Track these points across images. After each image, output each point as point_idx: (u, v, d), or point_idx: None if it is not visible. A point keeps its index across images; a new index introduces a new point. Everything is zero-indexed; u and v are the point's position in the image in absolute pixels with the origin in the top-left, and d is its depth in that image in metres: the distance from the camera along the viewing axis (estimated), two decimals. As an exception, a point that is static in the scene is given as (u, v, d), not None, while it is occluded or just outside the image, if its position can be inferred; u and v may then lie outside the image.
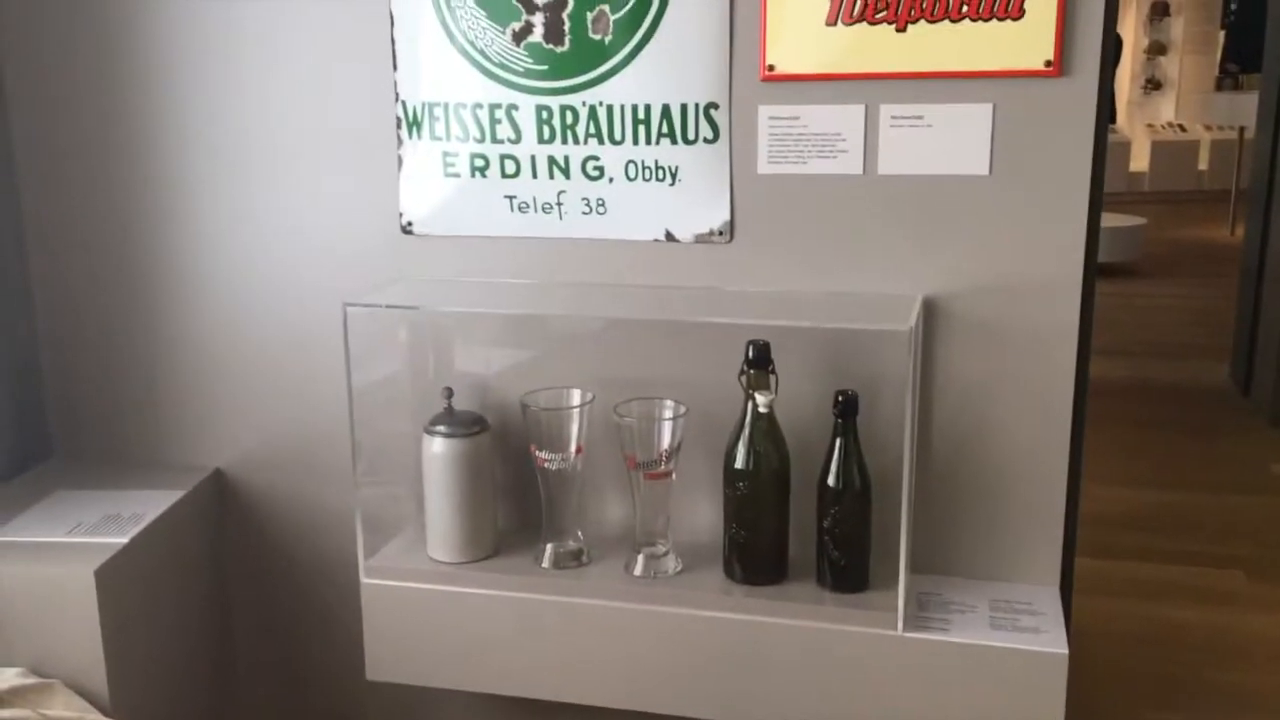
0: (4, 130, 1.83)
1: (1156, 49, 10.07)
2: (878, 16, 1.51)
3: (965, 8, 1.49)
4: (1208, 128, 9.59)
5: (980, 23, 1.49)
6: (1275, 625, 2.84)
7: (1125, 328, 5.73)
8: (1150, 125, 10.03)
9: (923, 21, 1.50)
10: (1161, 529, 3.42)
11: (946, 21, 1.50)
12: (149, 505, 1.75)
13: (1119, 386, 4.77)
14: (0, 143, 1.83)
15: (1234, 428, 4.35)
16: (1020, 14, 1.47)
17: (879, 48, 1.52)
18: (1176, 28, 10.03)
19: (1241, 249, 5.02)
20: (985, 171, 1.53)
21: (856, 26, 1.52)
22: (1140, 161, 9.79)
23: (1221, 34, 9.45)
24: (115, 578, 1.59)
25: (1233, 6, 8.81)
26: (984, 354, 1.58)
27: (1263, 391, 4.48)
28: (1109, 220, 6.94)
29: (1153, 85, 10.13)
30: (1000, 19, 1.48)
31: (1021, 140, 1.51)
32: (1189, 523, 3.48)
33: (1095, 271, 1.57)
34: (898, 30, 1.51)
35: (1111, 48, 1.51)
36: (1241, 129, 7.69)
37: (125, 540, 1.64)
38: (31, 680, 1.53)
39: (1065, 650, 1.45)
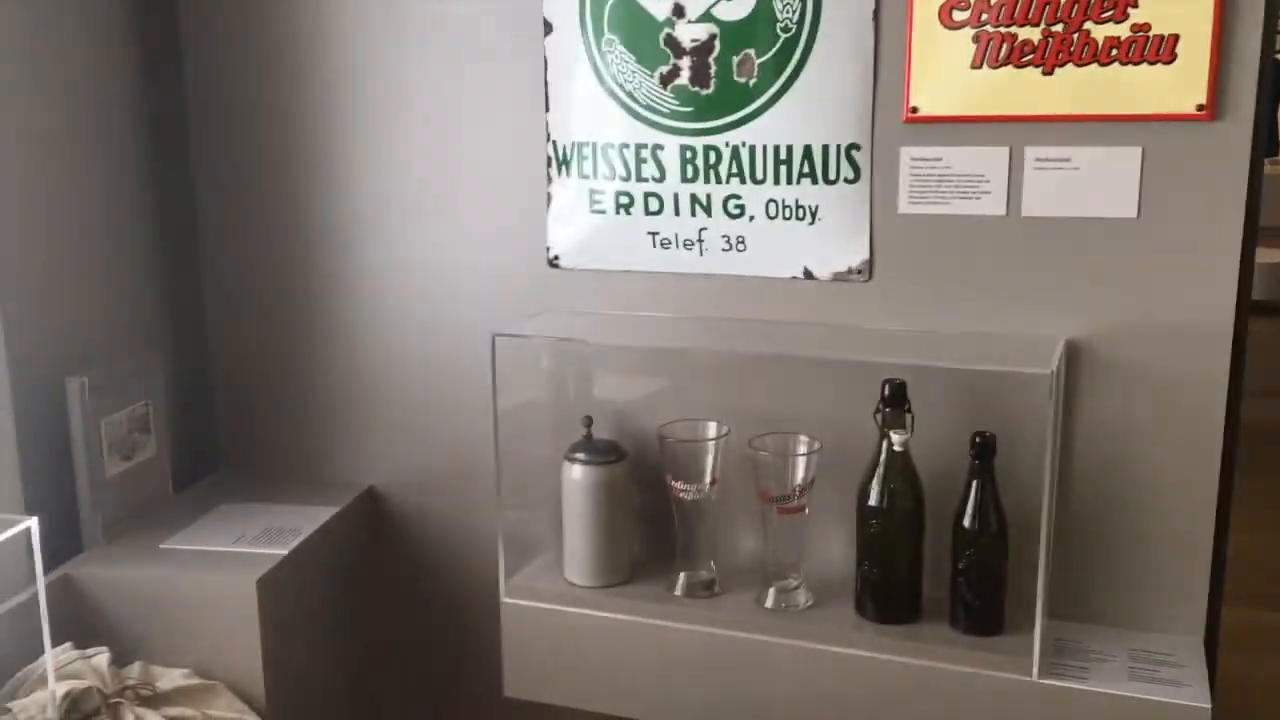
0: (189, 179, 1.98)
1: (1327, 76, 9.58)
2: (1024, 60, 1.52)
3: (1115, 51, 1.48)
4: (1383, 159, 9.06)
5: (1130, 66, 1.47)
6: None
7: (1289, 369, 5.45)
8: (1320, 156, 9.52)
9: (1070, 65, 1.50)
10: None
11: (1095, 65, 1.49)
12: (306, 520, 1.86)
13: (1280, 431, 4.54)
14: (185, 197, 1.98)
15: None
16: (1172, 58, 1.45)
17: (1025, 91, 1.52)
18: (1350, 54, 9.53)
19: None
20: (1133, 214, 1.51)
21: (1002, 70, 1.53)
22: (1308, 194, 9.30)
23: (1400, 60, 8.95)
24: (275, 587, 1.69)
25: None
26: (1129, 398, 1.56)
27: None
28: (1274, 256, 6.63)
29: (1323, 114, 9.63)
30: (1151, 63, 1.46)
31: (1171, 184, 1.49)
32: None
33: (1247, 316, 1.53)
34: (1044, 74, 1.51)
35: (1269, 89, 1.47)
36: None
37: (284, 552, 1.74)
38: (195, 681, 1.64)
39: (1208, 705, 1.41)
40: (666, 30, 1.65)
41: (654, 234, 1.74)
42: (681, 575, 1.70)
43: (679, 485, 1.66)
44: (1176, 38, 1.45)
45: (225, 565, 1.72)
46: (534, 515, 1.82)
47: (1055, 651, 1.53)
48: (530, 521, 1.81)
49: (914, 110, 1.58)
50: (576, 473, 1.71)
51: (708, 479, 1.66)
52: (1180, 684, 1.45)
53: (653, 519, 1.77)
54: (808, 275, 1.68)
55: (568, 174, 1.77)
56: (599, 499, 1.70)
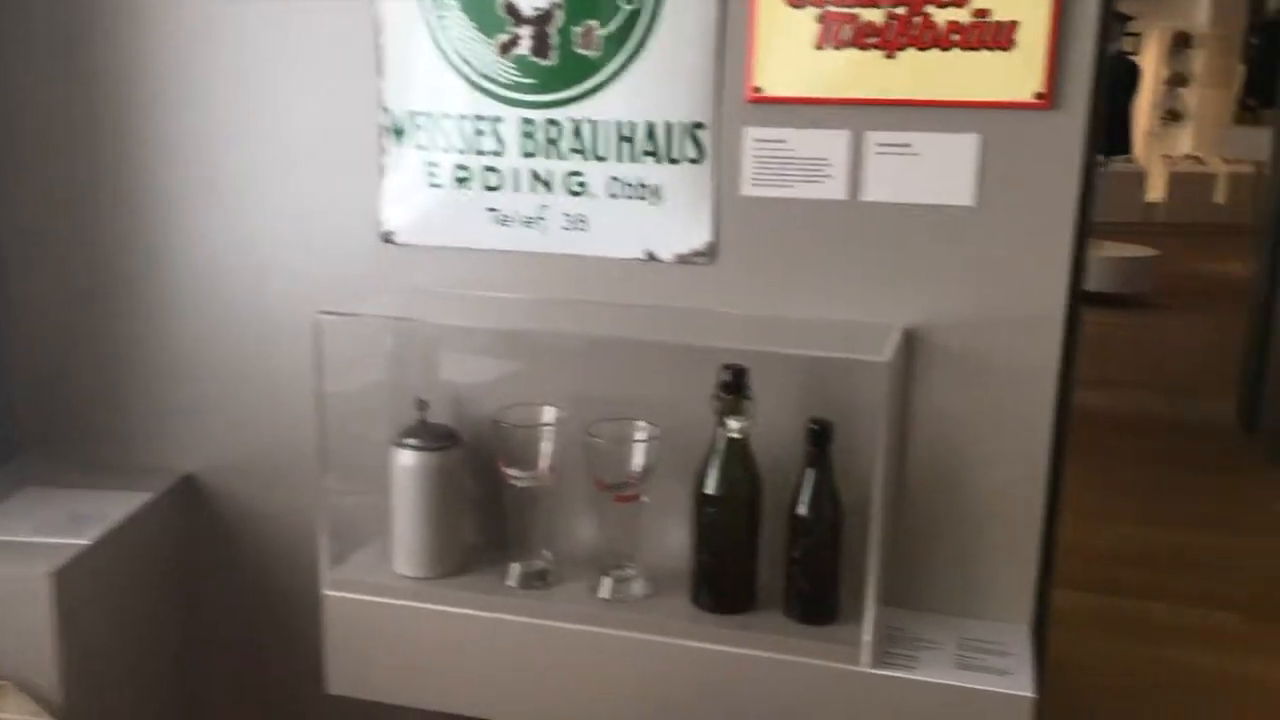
0: (-10, 124, 1.83)
1: (1177, 80, 10.03)
2: (868, 42, 1.49)
3: (956, 36, 1.46)
4: (1225, 161, 9.55)
5: (970, 52, 1.46)
6: (1271, 669, 2.80)
7: (1132, 360, 5.68)
8: (1168, 156, 9.98)
9: (912, 49, 1.48)
10: (1159, 566, 3.39)
11: (936, 50, 1.47)
12: (116, 506, 1.74)
13: (1122, 420, 4.73)
14: (-14, 136, 1.83)
15: (1237, 466, 4.31)
16: (1010, 44, 1.45)
17: (867, 74, 1.50)
18: (1198, 60, 9.99)
19: (1250, 284, 4.98)
20: (971, 202, 1.50)
21: (846, 51, 1.50)
22: (1156, 192, 9.73)
23: (1242, 68, 9.39)
24: (74, 580, 1.57)
25: (1253, 41, 8.76)
26: (964, 386, 1.55)
27: (1268, 429, 4.43)
28: (1120, 250, 6.91)
29: (1172, 117, 10.08)
30: (990, 49, 1.46)
31: (1008, 172, 1.49)
32: (1187, 561, 3.44)
33: (1079, 305, 1.54)
34: (887, 56, 1.49)
35: (1105, 79, 1.48)
36: (1258, 163, 7.63)
37: (87, 542, 1.62)
38: (-15, 680, 1.52)
39: (1031, 694, 1.42)
40: (506, -4, 1.58)
41: (493, 210, 1.67)
42: (515, 566, 1.64)
43: (512, 472, 1.60)
44: (1015, 24, 1.44)
45: (19, 556, 1.59)
46: (363, 503, 1.73)
47: (887, 640, 1.53)
48: (359, 510, 1.72)
49: (757, 90, 1.54)
50: (407, 458, 1.63)
51: (542, 465, 1.61)
52: (1006, 673, 1.46)
53: (489, 507, 1.70)
54: (651, 257, 1.64)
55: (403, 144, 1.68)
56: (430, 486, 1.63)
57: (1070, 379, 1.55)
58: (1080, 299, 1.54)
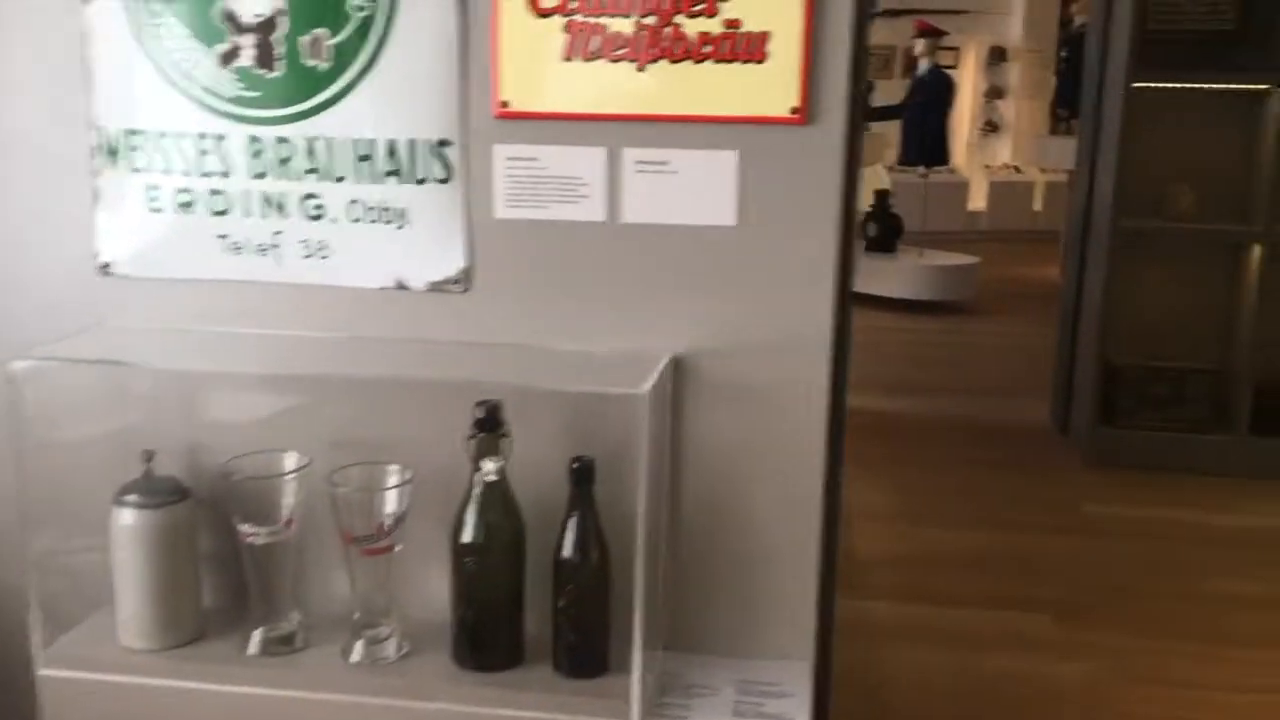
0: None
1: (994, 93, 10.40)
2: (618, 54, 1.40)
3: (708, 48, 1.38)
4: (1042, 170, 9.94)
5: (724, 64, 1.38)
6: (1080, 673, 2.83)
7: (951, 366, 5.81)
8: (988, 166, 10.33)
9: (664, 61, 1.39)
10: (971, 570, 3.41)
11: (689, 62, 1.39)
12: None
13: (939, 424, 4.80)
14: None
15: (1049, 467, 4.40)
16: (764, 57, 1.37)
17: (620, 87, 1.41)
18: (1013, 73, 10.38)
19: (1061, 290, 5.13)
20: (732, 222, 1.43)
21: (595, 63, 1.40)
22: (978, 201, 10.06)
23: (1053, 80, 9.81)
24: None
25: (1063, 54, 9.17)
26: (734, 413, 1.48)
27: (1079, 432, 4.55)
28: (943, 259, 7.07)
29: (991, 128, 10.44)
30: (744, 61, 1.38)
31: (768, 190, 1.41)
32: (998, 563, 3.47)
33: (848, 325, 1.49)
34: (638, 69, 1.40)
35: (861, 97, 1.43)
36: (1070, 172, 7.95)
37: None
38: None
39: (805, 743, 1.35)
40: (223, 2, 1.43)
41: (223, 237, 1.52)
42: (257, 631, 1.48)
43: (248, 529, 1.44)
44: (767, 35, 1.37)
45: None
46: (89, 567, 1.54)
47: (661, 689, 1.43)
48: (83, 576, 1.54)
49: (505, 105, 1.43)
50: (128, 517, 1.46)
51: (283, 519, 1.46)
52: (783, 717, 1.38)
53: (228, 567, 1.54)
54: (400, 285, 1.51)
55: (118, 166, 1.51)
56: (155, 547, 1.46)
57: (842, 398, 1.49)
58: (848, 318, 1.48)
